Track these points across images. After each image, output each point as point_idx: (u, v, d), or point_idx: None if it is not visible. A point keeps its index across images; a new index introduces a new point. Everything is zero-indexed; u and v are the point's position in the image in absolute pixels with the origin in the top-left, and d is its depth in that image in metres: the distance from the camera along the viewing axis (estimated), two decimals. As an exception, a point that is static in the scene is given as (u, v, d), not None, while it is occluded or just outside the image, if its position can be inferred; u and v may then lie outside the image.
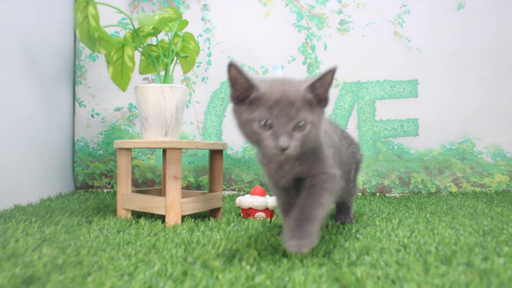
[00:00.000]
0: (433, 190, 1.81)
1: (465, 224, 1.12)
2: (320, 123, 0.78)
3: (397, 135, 1.81)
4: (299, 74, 1.82)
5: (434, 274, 0.71)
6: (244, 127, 0.77)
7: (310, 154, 0.84)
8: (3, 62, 1.32)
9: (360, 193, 1.80)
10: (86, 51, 1.84)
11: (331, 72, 0.76)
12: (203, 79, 1.83)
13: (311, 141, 0.78)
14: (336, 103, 1.82)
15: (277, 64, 1.05)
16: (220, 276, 0.68)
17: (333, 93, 1.82)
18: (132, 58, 1.17)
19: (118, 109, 1.83)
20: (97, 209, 1.38)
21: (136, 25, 1.30)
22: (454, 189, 1.81)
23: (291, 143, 0.73)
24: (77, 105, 1.84)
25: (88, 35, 1.12)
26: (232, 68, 0.74)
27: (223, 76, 1.80)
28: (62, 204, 1.48)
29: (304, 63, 1.82)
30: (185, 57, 1.31)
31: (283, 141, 0.72)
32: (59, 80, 1.74)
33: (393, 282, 0.67)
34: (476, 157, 1.81)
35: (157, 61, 1.27)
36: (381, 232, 1.02)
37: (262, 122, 0.74)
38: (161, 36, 1.62)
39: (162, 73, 1.40)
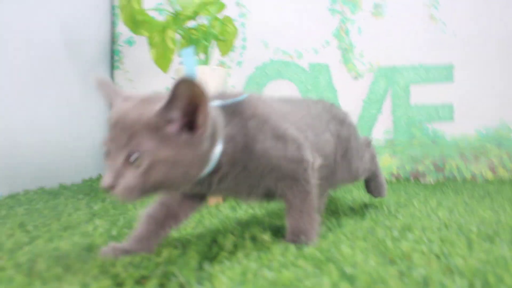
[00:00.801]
0: (468, 177, 1.80)
1: (505, 207, 1.11)
2: (185, 157, 0.58)
3: (432, 120, 1.80)
4: (334, 59, 1.83)
5: (478, 250, 0.72)
6: None
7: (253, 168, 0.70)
8: (45, 49, 1.36)
9: (394, 178, 1.80)
10: (124, 36, 1.89)
11: (185, 84, 0.54)
12: (238, 63, 1.85)
13: (165, 184, 0.58)
14: (370, 88, 1.82)
15: (187, 49, 0.68)
16: (270, 247, 0.70)
17: (367, 77, 1.82)
18: (174, 40, 1.20)
19: (154, 93, 1.88)
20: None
21: (177, 9, 1.33)
22: (490, 175, 1.79)
23: (119, 181, 0.56)
24: (115, 89, 1.90)
25: (132, 18, 1.16)
26: (97, 84, 0.64)
27: (258, 61, 1.82)
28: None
29: (338, 48, 1.83)
30: (224, 40, 1.33)
31: (105, 178, 0.56)
32: (97, 65, 1.80)
33: (438, 257, 0.68)
34: (513, 143, 1.78)
35: (197, 44, 1.29)
36: (420, 212, 1.03)
37: (104, 150, 0.60)
38: (199, 20, 1.65)
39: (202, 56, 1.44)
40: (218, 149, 0.64)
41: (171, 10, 1.27)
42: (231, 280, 0.54)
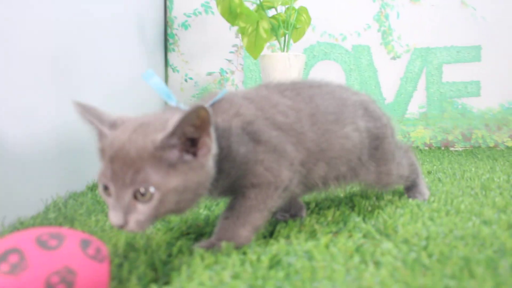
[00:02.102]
0: (491, 145, 2.03)
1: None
2: (193, 182, 0.57)
3: (461, 95, 2.02)
4: (375, 42, 2.00)
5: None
6: None
7: (232, 169, 0.66)
8: (107, 33, 1.37)
9: (427, 148, 2.02)
10: (179, 20, 2.00)
11: (198, 111, 0.53)
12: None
13: (176, 210, 0.58)
14: (407, 67, 2.01)
15: (146, 72, 0.65)
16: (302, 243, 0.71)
17: (404, 58, 2.01)
18: (267, 31, 1.35)
19: (210, 73, 2.01)
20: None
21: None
22: (510, 143, 2.03)
23: (130, 219, 0.55)
24: (170, 70, 2.03)
25: (230, 10, 1.29)
26: (77, 109, 0.60)
27: (306, 43, 1.98)
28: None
29: (378, 31, 2.00)
30: (298, 28, 1.49)
31: (114, 217, 0.55)
32: (153, 48, 1.91)
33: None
34: (531, 115, 2.03)
35: (276, 31, 1.44)
36: (483, 175, 1.24)
37: (101, 185, 0.57)
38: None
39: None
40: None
41: (256, 1, 1.40)
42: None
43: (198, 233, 0.77)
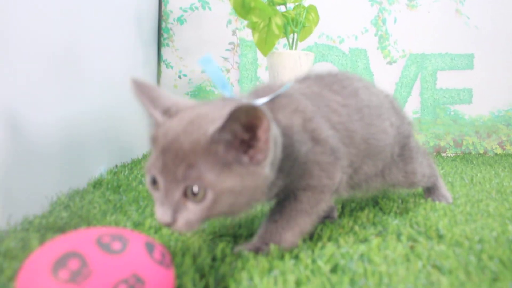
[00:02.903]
0: (481, 151, 2.07)
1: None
2: (250, 188, 0.52)
3: (454, 102, 2.05)
4: (371, 45, 2.00)
5: None
6: None
7: (290, 168, 0.61)
8: (98, 24, 1.28)
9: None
10: (174, 14, 1.93)
11: (244, 110, 0.48)
12: (284, 45, 1.97)
13: (230, 212, 0.53)
14: (403, 72, 2.03)
15: (204, 57, 0.60)
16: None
17: (400, 63, 2.02)
18: (280, 27, 1.31)
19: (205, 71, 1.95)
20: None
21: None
22: (499, 150, 2.08)
23: (179, 217, 0.50)
24: (163, 66, 1.95)
25: (243, 4, 1.25)
26: (133, 90, 0.56)
27: (304, 44, 1.96)
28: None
29: (375, 35, 2.00)
30: (306, 27, 1.46)
31: (162, 214, 0.50)
32: (145, 41, 1.83)
33: None
34: (520, 123, 2.08)
35: (285, 28, 1.41)
36: (492, 180, 1.25)
37: (149, 177, 0.53)
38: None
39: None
40: None
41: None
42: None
43: (232, 235, 0.73)
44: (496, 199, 1.01)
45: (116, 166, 1.37)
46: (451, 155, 2.04)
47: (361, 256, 0.61)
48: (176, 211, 0.50)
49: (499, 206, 0.92)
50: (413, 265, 0.58)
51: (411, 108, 2.04)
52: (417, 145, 0.90)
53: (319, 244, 0.66)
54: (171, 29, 1.94)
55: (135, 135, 1.66)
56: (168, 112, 0.55)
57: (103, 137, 1.29)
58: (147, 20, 1.83)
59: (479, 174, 1.37)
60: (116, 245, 0.42)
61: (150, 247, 0.44)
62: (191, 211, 0.50)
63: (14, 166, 0.78)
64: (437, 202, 0.94)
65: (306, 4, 1.45)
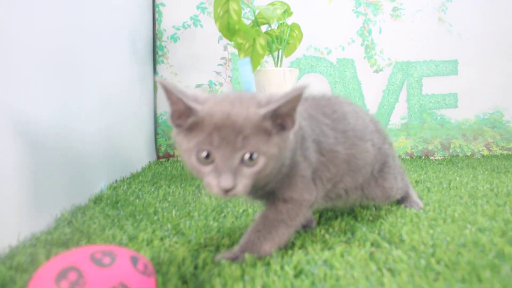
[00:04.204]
0: (468, 154, 2.15)
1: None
2: (282, 152, 0.65)
3: (440, 107, 2.13)
4: (358, 55, 2.09)
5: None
6: (184, 158, 0.64)
7: (277, 174, 0.71)
8: (97, 44, 1.38)
9: (408, 157, 2.12)
10: (168, 33, 2.03)
11: (299, 94, 0.60)
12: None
13: (269, 175, 0.66)
14: (389, 80, 2.11)
15: (244, 59, 0.75)
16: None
17: (387, 71, 2.10)
18: (264, 47, 1.39)
19: (199, 85, 2.05)
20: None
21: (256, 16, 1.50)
22: (485, 152, 2.15)
23: (238, 181, 0.60)
24: (159, 82, 2.04)
25: (228, 27, 1.34)
26: (162, 87, 0.62)
27: (293, 57, 2.05)
28: (165, 171, 1.72)
29: (361, 45, 2.09)
30: (291, 43, 1.55)
31: (225, 180, 0.59)
32: (141, 59, 1.92)
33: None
34: (505, 125, 2.15)
35: (270, 46, 1.50)
36: (461, 184, 1.33)
37: (201, 155, 0.61)
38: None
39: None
40: None
41: (250, 17, 1.45)
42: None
43: (216, 245, 0.81)
44: (466, 203, 1.08)
45: (116, 181, 1.46)
46: (439, 158, 2.12)
47: (325, 261, 0.70)
48: (236, 176, 0.60)
49: (465, 211, 1.00)
50: (368, 268, 0.66)
51: (399, 114, 2.12)
52: (395, 163, 0.98)
53: (290, 252, 0.74)
54: (165, 46, 2.04)
55: (133, 150, 1.75)
56: (197, 101, 0.63)
57: (102, 152, 1.37)
58: (142, 39, 1.92)
59: (458, 178, 1.45)
60: (106, 260, 0.51)
61: (134, 260, 0.53)
62: (247, 175, 0.61)
63: (23, 185, 0.87)
64: (407, 209, 1.02)
65: (290, 22, 1.54)
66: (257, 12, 1.41)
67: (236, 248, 0.73)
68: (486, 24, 2.10)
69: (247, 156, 0.60)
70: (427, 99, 2.13)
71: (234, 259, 0.70)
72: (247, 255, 0.70)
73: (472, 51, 2.11)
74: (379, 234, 0.84)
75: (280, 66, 1.50)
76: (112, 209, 1.10)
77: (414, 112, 2.12)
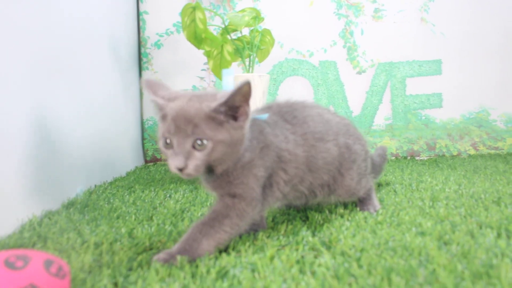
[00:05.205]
0: (455, 153, 2.14)
1: (497, 178, 1.44)
2: (233, 139, 0.74)
3: (424, 107, 2.12)
4: (340, 57, 2.10)
5: (492, 211, 1.01)
6: (159, 144, 0.77)
7: (232, 170, 0.79)
8: (83, 53, 1.43)
9: (393, 157, 2.12)
10: (152, 40, 2.07)
11: (245, 86, 0.70)
12: (257, 62, 2.08)
13: (221, 160, 0.75)
14: (372, 81, 2.11)
15: (228, 70, 0.86)
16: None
17: (369, 72, 2.11)
18: (231, 54, 1.42)
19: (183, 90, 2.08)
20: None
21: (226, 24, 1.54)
22: (472, 152, 2.14)
23: (189, 162, 0.71)
24: (145, 88, 2.09)
25: (195, 35, 1.37)
26: (144, 86, 0.78)
27: (275, 60, 2.07)
28: (148, 175, 1.76)
29: (344, 47, 2.10)
30: (263, 49, 1.57)
31: (178, 161, 0.71)
32: (127, 66, 1.97)
33: (466, 217, 0.97)
34: (491, 124, 2.13)
35: (241, 52, 1.52)
36: (436, 186, 1.33)
37: (165, 141, 0.74)
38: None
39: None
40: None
41: (220, 24, 1.48)
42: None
43: (161, 248, 0.84)
44: (423, 206, 1.09)
45: (95, 186, 1.51)
46: (425, 158, 2.12)
47: (251, 264, 0.72)
48: (187, 158, 0.71)
49: (418, 214, 1.01)
50: (290, 272, 0.68)
51: (383, 115, 2.12)
52: (364, 164, 1.04)
53: (223, 255, 0.77)
54: (149, 53, 2.08)
55: (119, 155, 1.79)
56: (167, 98, 0.75)
57: (85, 158, 1.42)
58: (127, 46, 1.97)
59: (429, 180, 1.45)
60: (19, 263, 0.56)
61: (48, 263, 0.57)
62: (198, 158, 0.72)
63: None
64: (359, 213, 1.04)
65: (269, 26, 1.56)
66: (226, 19, 1.44)
67: (175, 246, 0.76)
68: (470, 23, 2.09)
69: (197, 141, 0.71)
70: (411, 100, 2.12)
71: (167, 260, 0.73)
72: (179, 257, 0.73)
73: (456, 51, 2.10)
74: (319, 238, 0.86)
75: (252, 72, 1.53)
76: (78, 213, 1.14)
77: (398, 112, 2.12)
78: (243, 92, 0.71)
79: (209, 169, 0.77)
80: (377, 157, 1.26)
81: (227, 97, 0.71)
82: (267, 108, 0.94)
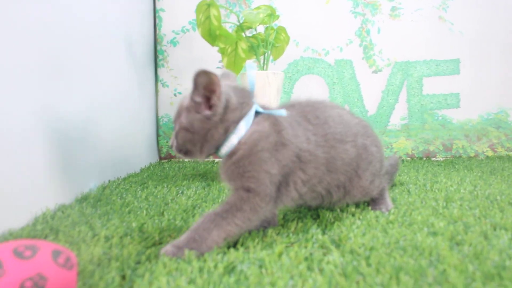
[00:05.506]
0: (472, 155, 2.10)
1: (514, 180, 1.40)
2: (195, 125, 0.80)
3: (441, 107, 2.09)
4: (357, 56, 2.08)
5: (508, 213, 0.99)
6: None
7: (246, 162, 0.80)
8: (101, 50, 1.46)
9: (409, 158, 2.09)
10: (168, 37, 2.09)
11: (198, 77, 0.76)
12: (272, 60, 2.08)
13: (185, 139, 0.83)
14: (388, 80, 2.09)
15: (251, 64, 0.88)
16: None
17: (386, 71, 2.08)
18: (245, 51, 1.42)
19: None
20: (194, 174, 1.67)
21: (241, 20, 1.54)
22: (490, 153, 2.10)
23: (173, 142, 0.85)
24: (160, 85, 2.11)
25: (210, 32, 1.37)
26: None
27: (290, 58, 2.06)
28: (162, 171, 1.77)
29: (360, 46, 2.08)
30: (278, 46, 1.57)
31: (171, 140, 0.87)
32: (143, 63, 1.99)
33: (480, 218, 0.95)
34: (510, 125, 2.09)
35: (256, 50, 1.52)
36: (451, 187, 1.31)
37: None
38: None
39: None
40: (234, 137, 0.81)
41: (236, 22, 1.48)
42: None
43: (170, 242, 0.85)
44: (436, 206, 1.07)
45: (109, 181, 1.53)
46: (441, 159, 2.08)
47: (259, 260, 0.72)
48: (174, 139, 0.85)
49: (430, 214, 0.99)
50: (297, 269, 0.68)
51: (399, 114, 2.10)
52: (379, 165, 1.04)
53: (231, 250, 0.77)
54: (165, 51, 2.10)
55: (133, 151, 1.81)
56: None
57: (100, 154, 1.45)
58: (143, 44, 1.99)
59: (444, 180, 1.43)
60: (28, 253, 0.56)
61: (56, 254, 0.58)
62: (173, 138, 0.85)
63: (5, 184, 0.94)
64: (371, 212, 1.02)
65: (285, 24, 1.56)
66: (241, 16, 1.44)
67: (183, 235, 0.76)
68: (489, 21, 2.05)
69: (176, 126, 0.83)
70: (428, 99, 2.09)
71: (174, 254, 0.74)
72: (186, 251, 0.73)
73: (475, 50, 2.06)
74: (329, 236, 0.86)
75: (266, 69, 1.52)
76: (91, 208, 1.16)
77: (415, 112, 2.09)
78: (200, 83, 0.77)
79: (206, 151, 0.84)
80: (388, 167, 1.24)
81: (192, 88, 0.79)
82: (290, 107, 0.95)
